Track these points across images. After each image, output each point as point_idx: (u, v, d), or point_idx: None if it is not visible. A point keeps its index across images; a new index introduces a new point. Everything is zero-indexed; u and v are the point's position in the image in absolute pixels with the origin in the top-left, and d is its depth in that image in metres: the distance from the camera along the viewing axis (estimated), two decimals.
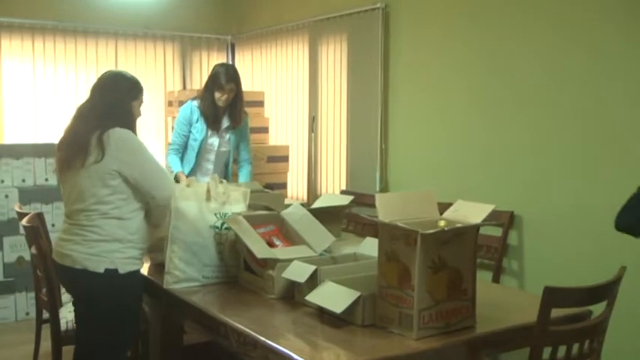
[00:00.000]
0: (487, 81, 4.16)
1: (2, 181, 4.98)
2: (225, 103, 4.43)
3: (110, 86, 2.91)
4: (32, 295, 4.22)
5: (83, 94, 5.74)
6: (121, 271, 2.78)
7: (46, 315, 3.45)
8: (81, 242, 2.77)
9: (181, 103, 5.68)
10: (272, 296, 2.69)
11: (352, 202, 3.55)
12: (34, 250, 3.33)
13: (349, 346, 2.21)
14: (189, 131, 4.48)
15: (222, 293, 2.83)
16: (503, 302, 2.75)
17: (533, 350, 2.16)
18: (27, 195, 4.97)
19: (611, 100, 3.50)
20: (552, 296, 2.13)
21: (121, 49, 6.24)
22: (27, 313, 4.95)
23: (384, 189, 4.91)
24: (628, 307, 3.08)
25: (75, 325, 3.11)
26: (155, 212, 2.91)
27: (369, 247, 2.82)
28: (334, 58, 5.47)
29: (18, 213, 3.64)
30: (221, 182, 3.05)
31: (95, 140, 2.73)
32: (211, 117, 4.45)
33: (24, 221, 3.37)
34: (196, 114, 4.47)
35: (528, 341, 2.19)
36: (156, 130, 6.13)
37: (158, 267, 3.11)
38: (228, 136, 4.56)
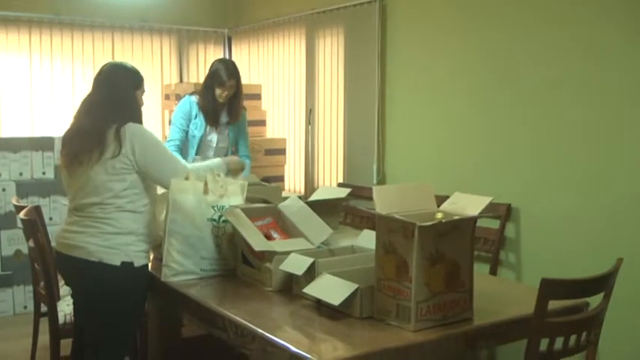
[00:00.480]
0: (485, 74, 4.16)
1: None
2: (225, 100, 4.41)
3: (113, 78, 2.92)
4: (30, 288, 4.24)
5: (80, 88, 5.76)
6: (136, 264, 2.81)
7: (44, 308, 3.45)
8: (96, 234, 2.77)
9: (178, 96, 5.68)
10: (270, 289, 2.69)
11: (349, 194, 3.55)
12: (31, 243, 3.33)
13: (347, 338, 2.21)
14: (188, 126, 4.46)
15: (220, 286, 2.84)
16: (501, 294, 2.75)
17: (531, 342, 2.16)
18: (24, 188, 4.97)
19: (609, 96, 3.49)
20: (549, 288, 2.13)
21: (118, 42, 6.22)
22: (25, 307, 4.96)
23: (382, 181, 4.91)
24: (625, 299, 3.09)
25: (73, 318, 3.11)
26: None
27: (367, 239, 2.82)
28: (331, 51, 5.46)
29: (15, 206, 3.64)
30: (218, 175, 3.06)
31: (112, 135, 2.76)
32: (211, 113, 4.41)
33: (21, 214, 3.36)
34: (195, 110, 4.43)
35: (525, 333, 2.20)
36: (153, 123, 6.12)
37: (155, 260, 3.12)
38: (227, 131, 4.54)
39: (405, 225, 2.21)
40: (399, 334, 2.21)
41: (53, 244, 3.01)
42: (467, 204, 2.37)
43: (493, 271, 3.96)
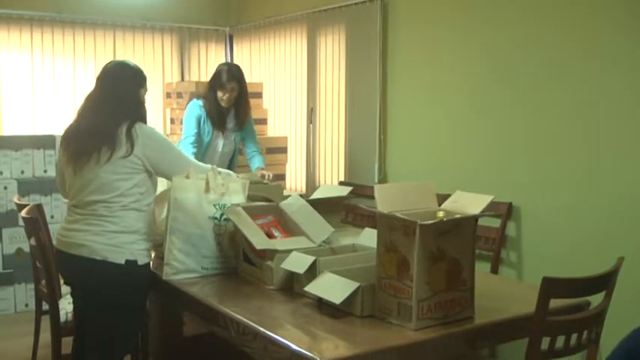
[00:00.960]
0: (486, 73, 4.16)
1: (1, 173, 4.97)
2: (227, 103, 4.38)
3: (119, 76, 2.93)
4: (31, 286, 4.23)
5: (82, 86, 5.76)
6: (140, 262, 2.81)
7: (45, 306, 3.46)
8: (101, 233, 2.76)
9: (179, 94, 5.69)
10: (271, 287, 2.69)
11: (351, 193, 3.56)
12: (33, 241, 3.33)
13: (348, 336, 2.21)
14: (199, 128, 4.41)
15: (221, 284, 2.84)
16: (502, 293, 2.75)
17: (532, 341, 2.16)
18: (26, 186, 4.97)
19: (609, 95, 3.49)
20: (550, 287, 2.13)
21: (120, 40, 6.22)
22: (26, 305, 4.96)
23: (383, 180, 4.91)
24: (626, 298, 3.09)
25: (74, 316, 3.11)
26: None
27: (368, 238, 2.83)
28: (333, 50, 5.46)
29: (17, 204, 3.64)
30: (219, 174, 3.06)
31: (124, 134, 2.76)
32: (217, 117, 4.39)
33: (23, 213, 3.36)
34: (203, 114, 4.40)
35: (527, 332, 2.20)
36: (154, 121, 6.12)
37: (157, 259, 3.12)
38: (233, 136, 4.53)
39: (406, 223, 2.21)
40: (400, 332, 2.21)
41: (54, 242, 3.01)
42: (468, 203, 2.36)
43: (494, 270, 3.97)
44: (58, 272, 3.24)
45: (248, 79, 6.40)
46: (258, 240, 2.73)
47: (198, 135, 4.42)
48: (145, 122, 2.92)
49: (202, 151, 4.43)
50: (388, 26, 4.87)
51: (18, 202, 3.66)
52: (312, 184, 5.67)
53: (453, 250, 2.27)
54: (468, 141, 4.29)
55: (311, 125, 5.65)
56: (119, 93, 2.87)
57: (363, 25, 5.04)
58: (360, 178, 5.07)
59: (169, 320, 3.70)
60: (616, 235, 3.46)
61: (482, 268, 3.41)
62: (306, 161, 5.78)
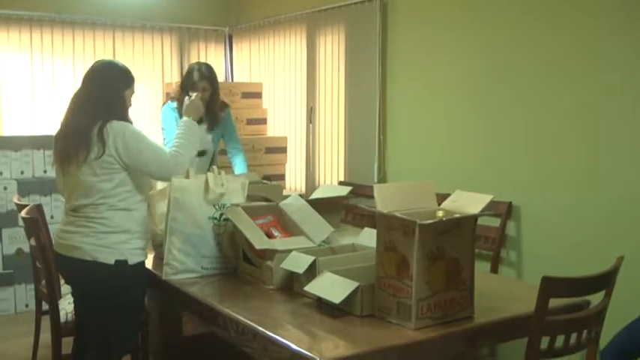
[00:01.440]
0: (486, 72, 4.16)
1: (1, 173, 4.98)
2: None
3: (104, 76, 2.89)
4: (31, 286, 4.23)
5: None
6: (130, 262, 2.80)
7: (45, 307, 3.45)
8: (90, 234, 2.77)
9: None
10: (271, 287, 2.69)
11: (350, 193, 3.56)
12: (33, 241, 3.33)
13: (348, 336, 2.21)
14: None
15: (221, 284, 2.84)
16: (502, 292, 2.75)
17: (531, 340, 2.16)
18: (25, 187, 4.97)
19: (608, 95, 3.49)
20: (550, 286, 2.13)
21: (119, 40, 6.22)
22: (26, 305, 4.96)
23: (382, 180, 4.91)
24: (626, 297, 3.09)
25: (74, 316, 3.11)
26: None
27: (368, 237, 2.83)
28: (332, 50, 5.46)
29: (17, 205, 3.64)
30: (219, 174, 3.05)
31: (96, 135, 2.73)
32: None
33: (23, 213, 3.36)
34: (177, 116, 4.16)
35: (526, 331, 2.20)
36: (154, 122, 6.10)
37: (157, 258, 3.12)
38: (210, 137, 4.38)
39: (405, 223, 2.21)
40: (399, 332, 2.21)
41: (53, 243, 3.01)
42: (468, 202, 2.36)
43: (494, 269, 3.97)
44: (58, 272, 3.24)
45: (247, 79, 6.44)
46: (258, 240, 2.73)
47: None
48: (126, 121, 2.84)
49: None
50: (388, 26, 4.87)
51: (18, 202, 3.66)
52: (311, 183, 5.67)
53: (453, 249, 2.28)
54: (468, 141, 4.29)
55: (310, 125, 5.65)
56: (102, 93, 2.83)
57: (363, 25, 5.04)
58: (359, 177, 5.07)
59: (169, 320, 3.70)
60: (616, 235, 3.47)
61: (481, 268, 3.41)
62: (306, 161, 5.78)
